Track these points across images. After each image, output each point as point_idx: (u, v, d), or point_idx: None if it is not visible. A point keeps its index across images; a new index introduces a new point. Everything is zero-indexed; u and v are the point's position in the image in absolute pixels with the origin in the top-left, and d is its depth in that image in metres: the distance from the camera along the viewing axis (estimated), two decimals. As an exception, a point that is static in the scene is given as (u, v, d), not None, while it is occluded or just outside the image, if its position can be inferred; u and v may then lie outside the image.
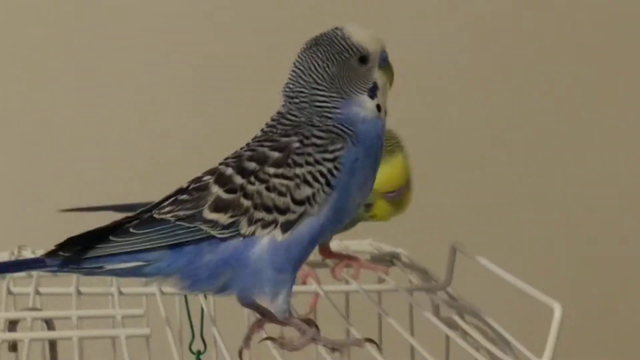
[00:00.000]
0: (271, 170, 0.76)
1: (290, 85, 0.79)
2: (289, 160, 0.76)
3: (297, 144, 0.76)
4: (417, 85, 1.43)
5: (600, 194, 1.52)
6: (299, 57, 0.79)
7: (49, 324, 0.90)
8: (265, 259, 0.75)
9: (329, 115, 0.77)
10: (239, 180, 0.76)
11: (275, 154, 0.76)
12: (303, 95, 0.78)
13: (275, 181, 0.75)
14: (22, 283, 0.93)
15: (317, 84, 0.78)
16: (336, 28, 0.79)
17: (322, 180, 0.76)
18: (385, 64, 0.79)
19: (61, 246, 0.75)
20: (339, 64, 0.78)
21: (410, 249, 1.05)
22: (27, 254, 1.01)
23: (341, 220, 0.78)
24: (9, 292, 0.91)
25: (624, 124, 1.52)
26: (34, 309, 0.88)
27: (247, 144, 0.79)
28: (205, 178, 0.77)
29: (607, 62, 1.51)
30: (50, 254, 0.76)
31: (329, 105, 0.78)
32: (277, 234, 0.75)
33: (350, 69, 0.78)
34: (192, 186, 0.77)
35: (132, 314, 0.84)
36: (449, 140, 1.47)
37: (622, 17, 1.51)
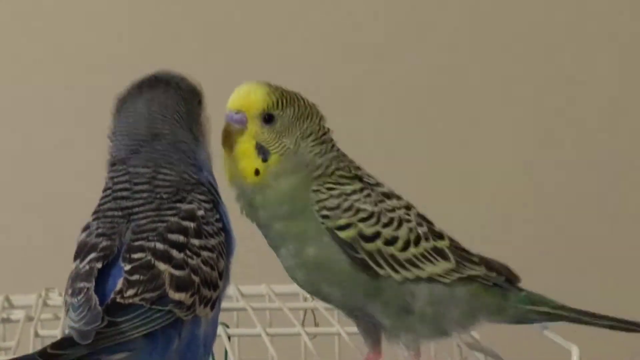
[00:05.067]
0: (197, 242, 0.70)
1: (146, 126, 0.73)
2: (203, 231, 0.71)
3: (201, 212, 0.71)
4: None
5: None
6: (145, 97, 0.73)
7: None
8: (202, 340, 0.70)
9: (193, 163, 0.74)
10: (177, 254, 0.68)
11: (190, 224, 0.70)
12: (167, 135, 0.73)
13: (205, 254, 0.70)
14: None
15: (177, 121, 0.74)
16: (165, 72, 0.75)
17: (224, 252, 0.72)
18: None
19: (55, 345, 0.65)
20: (187, 104, 0.75)
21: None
22: (55, 297, 1.02)
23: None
24: (37, 335, 0.92)
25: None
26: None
27: (122, 211, 0.70)
28: (136, 255, 0.68)
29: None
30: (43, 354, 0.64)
31: (189, 148, 0.74)
32: (208, 312, 0.70)
33: (194, 111, 0.76)
34: (130, 265, 0.67)
35: None
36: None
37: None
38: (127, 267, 0.67)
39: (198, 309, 0.68)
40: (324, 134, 0.80)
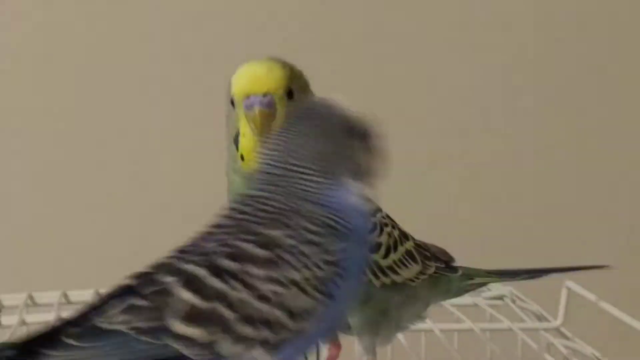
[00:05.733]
0: (260, 272, 0.59)
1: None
2: (281, 261, 0.60)
3: (292, 241, 0.60)
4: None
5: None
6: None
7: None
8: None
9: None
10: (216, 283, 0.58)
11: (262, 252, 0.59)
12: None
13: (265, 287, 0.59)
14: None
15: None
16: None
17: (314, 286, 0.60)
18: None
19: None
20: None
21: (519, 286, 1.04)
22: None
23: (327, 337, 0.65)
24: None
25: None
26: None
27: (209, 232, 0.62)
28: (165, 279, 0.58)
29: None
30: None
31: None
32: (262, 357, 0.58)
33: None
34: (147, 289, 0.58)
35: None
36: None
37: None
38: (144, 290, 0.58)
39: (228, 349, 0.58)
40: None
